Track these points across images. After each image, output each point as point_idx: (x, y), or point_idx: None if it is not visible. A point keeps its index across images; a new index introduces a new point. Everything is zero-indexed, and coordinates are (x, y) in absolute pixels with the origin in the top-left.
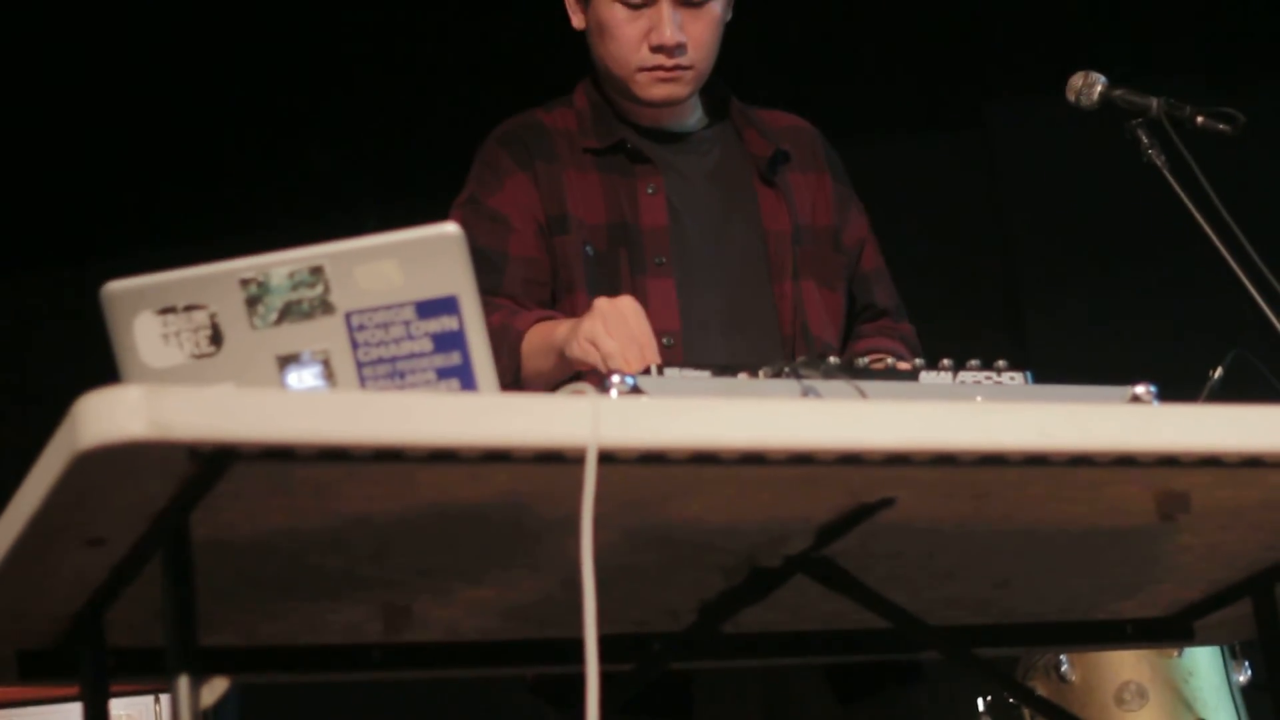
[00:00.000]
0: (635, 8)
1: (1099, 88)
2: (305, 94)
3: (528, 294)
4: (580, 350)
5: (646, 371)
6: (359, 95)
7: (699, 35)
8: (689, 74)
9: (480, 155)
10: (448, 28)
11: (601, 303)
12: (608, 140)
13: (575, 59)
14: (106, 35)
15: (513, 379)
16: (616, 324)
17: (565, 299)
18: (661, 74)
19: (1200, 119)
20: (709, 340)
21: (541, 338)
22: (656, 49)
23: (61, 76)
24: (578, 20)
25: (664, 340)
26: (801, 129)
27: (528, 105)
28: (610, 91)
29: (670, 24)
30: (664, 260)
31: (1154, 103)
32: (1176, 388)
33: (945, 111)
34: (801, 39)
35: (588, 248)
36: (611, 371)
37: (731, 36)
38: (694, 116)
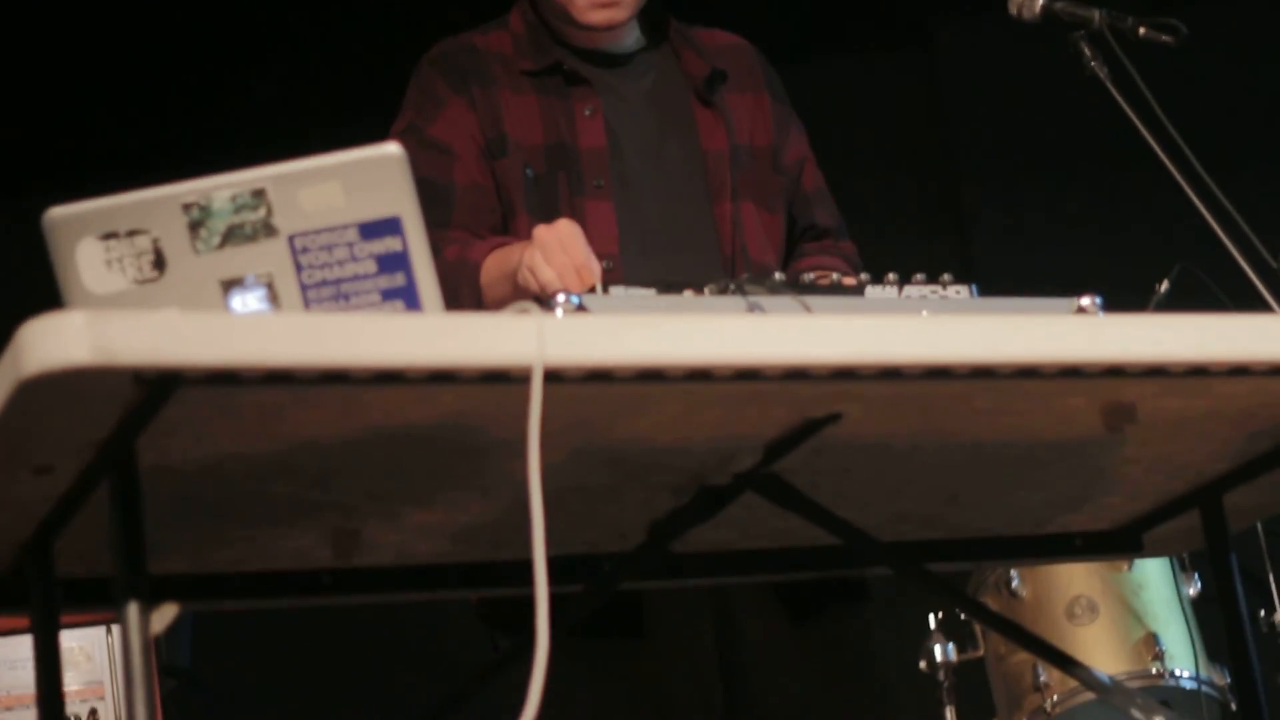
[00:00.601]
0: None
1: (1041, 0)
2: (246, 22)
3: (478, 222)
4: (522, 280)
5: (592, 290)
6: (298, 21)
7: None
8: None
9: (415, 80)
10: None
11: (539, 231)
12: (544, 62)
13: None
14: None
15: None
16: (554, 251)
17: (510, 221)
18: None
19: (1142, 30)
20: (648, 262)
21: (497, 265)
22: None
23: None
24: None
25: (604, 263)
26: (740, 47)
27: (466, 26)
28: (546, 14)
29: None
30: (602, 183)
31: (1096, 14)
32: (1122, 302)
33: (889, 29)
34: None
35: (527, 169)
36: (554, 294)
37: None
38: (631, 38)
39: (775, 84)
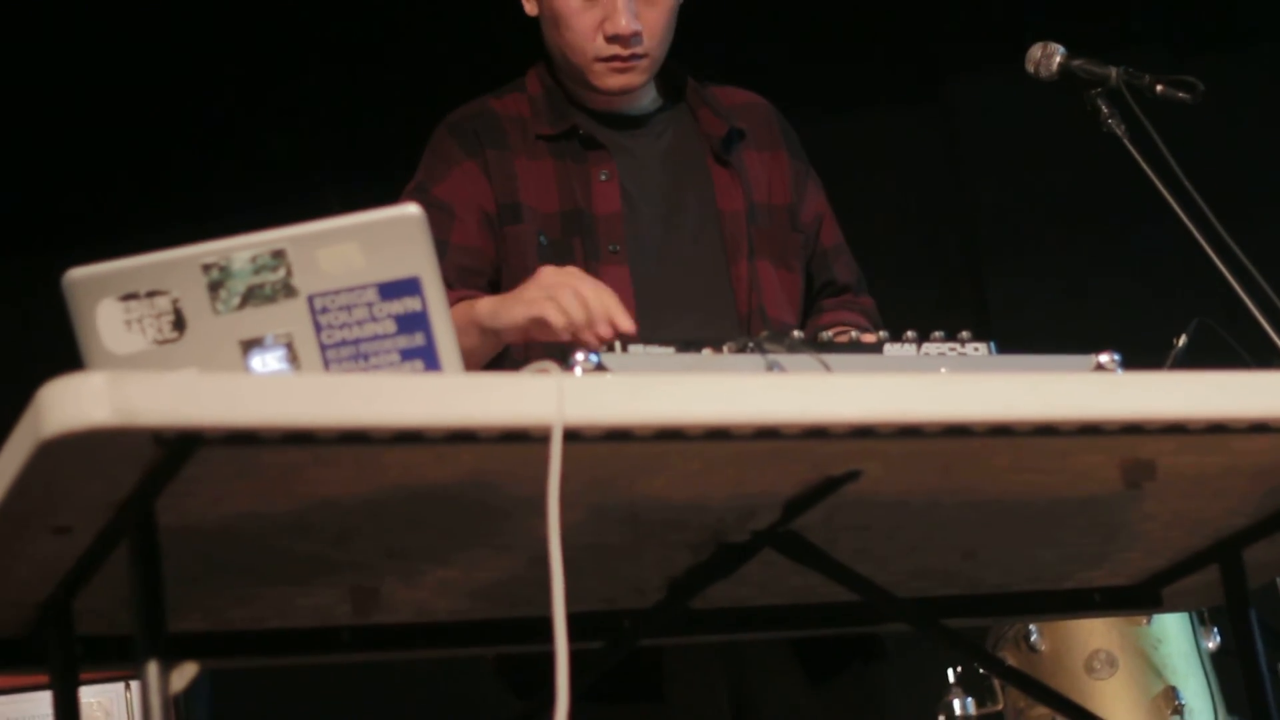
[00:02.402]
0: None
1: (1058, 58)
2: (262, 79)
3: (462, 282)
4: (529, 309)
5: (610, 348)
6: (316, 80)
7: (654, 22)
8: (644, 62)
9: (431, 143)
10: (404, 12)
11: (547, 269)
12: (560, 126)
13: (531, 43)
14: (56, 26)
15: None
16: (567, 279)
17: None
18: (618, 64)
19: (1160, 87)
20: (665, 324)
21: (462, 315)
22: (612, 39)
23: (10, 66)
24: (530, 7)
25: None
26: (756, 105)
27: (484, 88)
28: (563, 77)
29: (625, 13)
30: (618, 248)
31: (1113, 72)
32: (1141, 357)
33: (905, 85)
34: (759, 14)
35: (541, 236)
36: (569, 324)
37: (689, 12)
38: (648, 99)
39: (793, 141)
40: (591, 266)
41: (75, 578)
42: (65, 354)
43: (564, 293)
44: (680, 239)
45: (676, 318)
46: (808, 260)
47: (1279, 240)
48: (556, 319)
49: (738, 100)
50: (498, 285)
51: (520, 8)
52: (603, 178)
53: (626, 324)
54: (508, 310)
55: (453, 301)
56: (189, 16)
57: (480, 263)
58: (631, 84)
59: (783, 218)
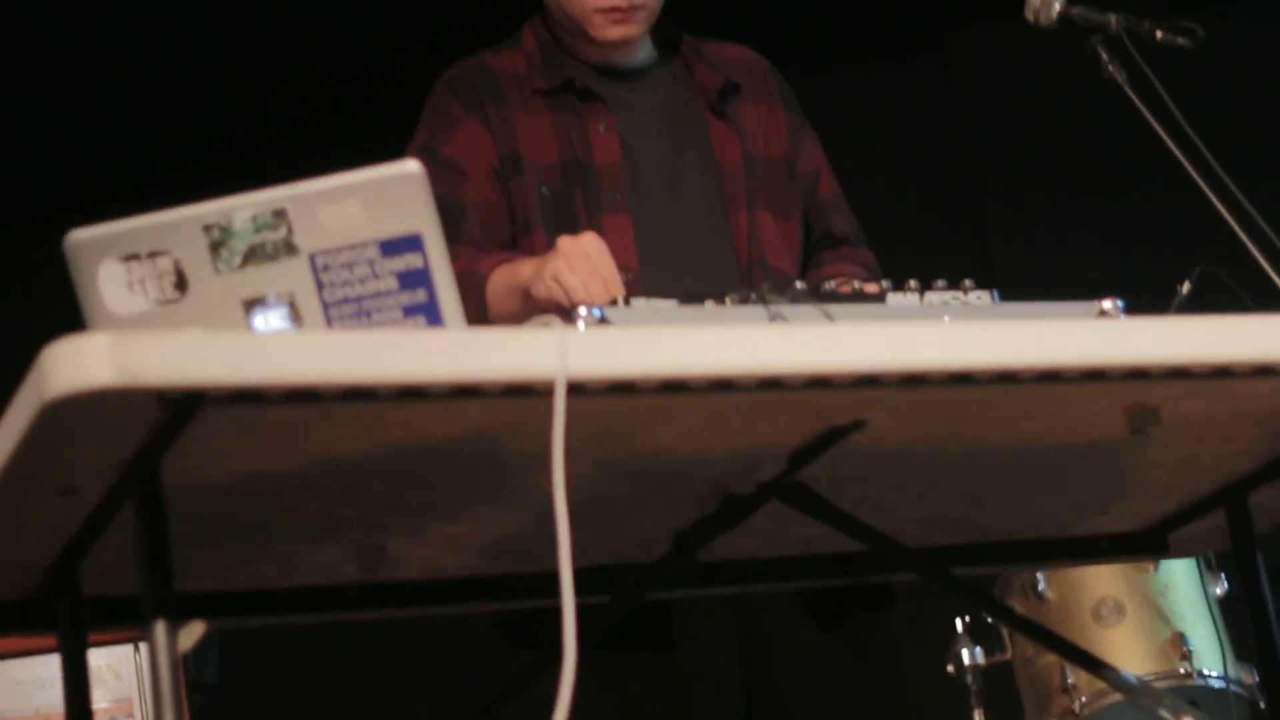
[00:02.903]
0: None
1: (1057, 5)
2: (266, 39)
3: (487, 239)
4: (545, 289)
5: (614, 303)
6: (319, 40)
7: None
8: (642, 13)
9: (430, 101)
10: None
11: (564, 241)
12: (556, 80)
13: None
14: None
15: (481, 323)
16: (579, 260)
17: (523, 239)
18: (617, 15)
19: (1159, 33)
20: (666, 274)
21: (505, 279)
22: None
23: (12, 30)
24: None
25: (623, 275)
26: (751, 60)
27: (482, 46)
28: (560, 30)
29: None
30: (619, 197)
31: (1113, 18)
32: (1144, 304)
33: (904, 36)
34: None
35: (543, 187)
36: (577, 305)
37: None
38: (643, 52)
39: (788, 95)
40: (593, 216)
41: (81, 539)
42: (68, 317)
43: (572, 275)
44: (679, 190)
45: (678, 266)
46: (805, 212)
47: None
48: (563, 301)
49: (732, 55)
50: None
51: None
52: (601, 129)
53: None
54: (536, 285)
55: (494, 264)
56: None
57: (499, 218)
58: (630, 34)
59: (780, 169)
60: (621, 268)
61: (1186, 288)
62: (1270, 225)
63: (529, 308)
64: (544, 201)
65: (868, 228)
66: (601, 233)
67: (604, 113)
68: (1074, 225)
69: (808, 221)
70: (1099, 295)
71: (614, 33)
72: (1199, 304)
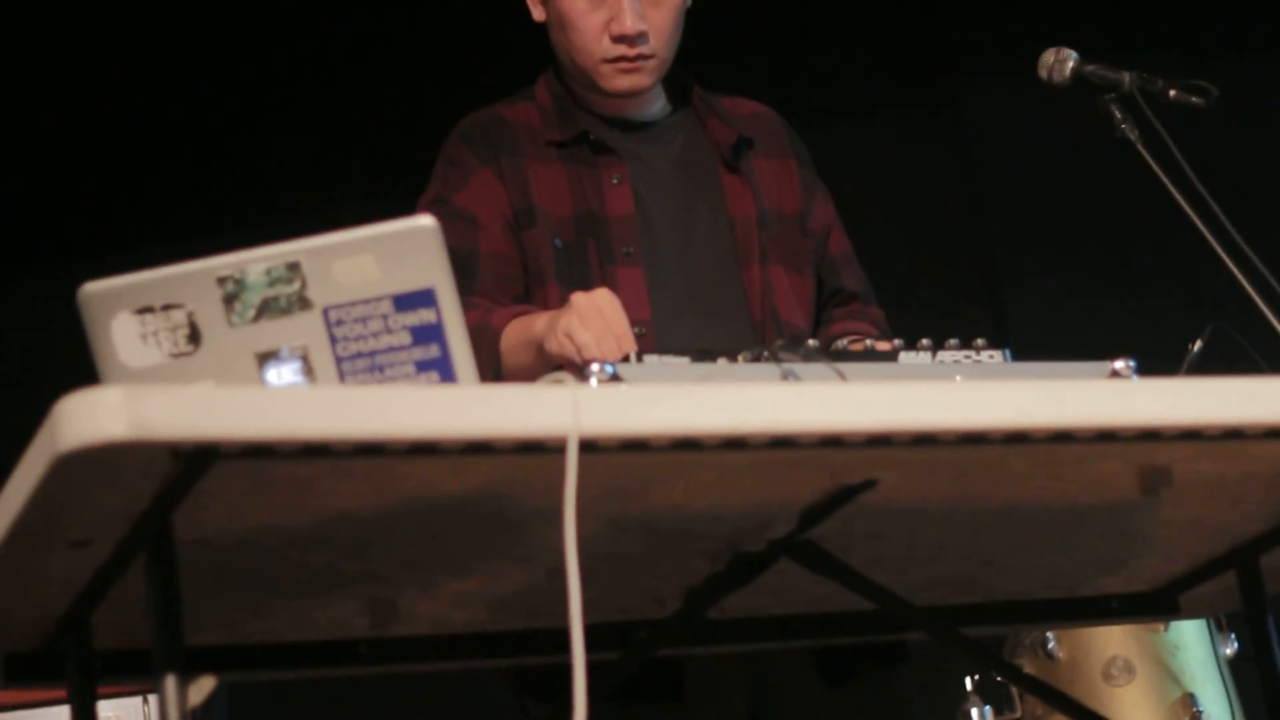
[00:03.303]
0: None
1: (1071, 63)
2: (280, 89)
3: (501, 290)
4: (558, 345)
5: (626, 359)
6: (333, 90)
7: (660, 23)
8: (651, 63)
9: (444, 152)
10: (418, 22)
11: (578, 297)
12: (570, 132)
13: (541, 50)
14: (78, 35)
15: (494, 377)
16: (592, 317)
17: (536, 291)
18: (625, 65)
19: (1173, 92)
20: (679, 328)
21: (519, 333)
22: (618, 39)
23: (29, 75)
24: (538, 13)
25: (636, 329)
26: (764, 115)
27: (496, 96)
28: (572, 82)
29: (631, 13)
30: (632, 250)
31: (1126, 77)
32: (1156, 363)
33: (920, 90)
34: (774, 18)
35: (556, 239)
36: (589, 361)
37: (704, 17)
38: (657, 105)
39: (801, 150)
40: (606, 269)
41: (92, 591)
42: (81, 367)
43: (584, 331)
44: (693, 243)
45: (691, 321)
46: (817, 267)
47: None
48: (579, 359)
49: (746, 110)
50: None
51: (528, 14)
52: (614, 181)
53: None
54: (548, 341)
55: (508, 317)
56: (208, 27)
57: (512, 269)
58: (639, 85)
59: (793, 224)
60: (635, 321)
61: (1198, 346)
62: None
63: (542, 361)
64: (557, 253)
65: (879, 281)
66: (615, 285)
67: (617, 165)
68: (1087, 281)
69: (819, 277)
70: (1111, 355)
71: (623, 83)
72: (1211, 363)
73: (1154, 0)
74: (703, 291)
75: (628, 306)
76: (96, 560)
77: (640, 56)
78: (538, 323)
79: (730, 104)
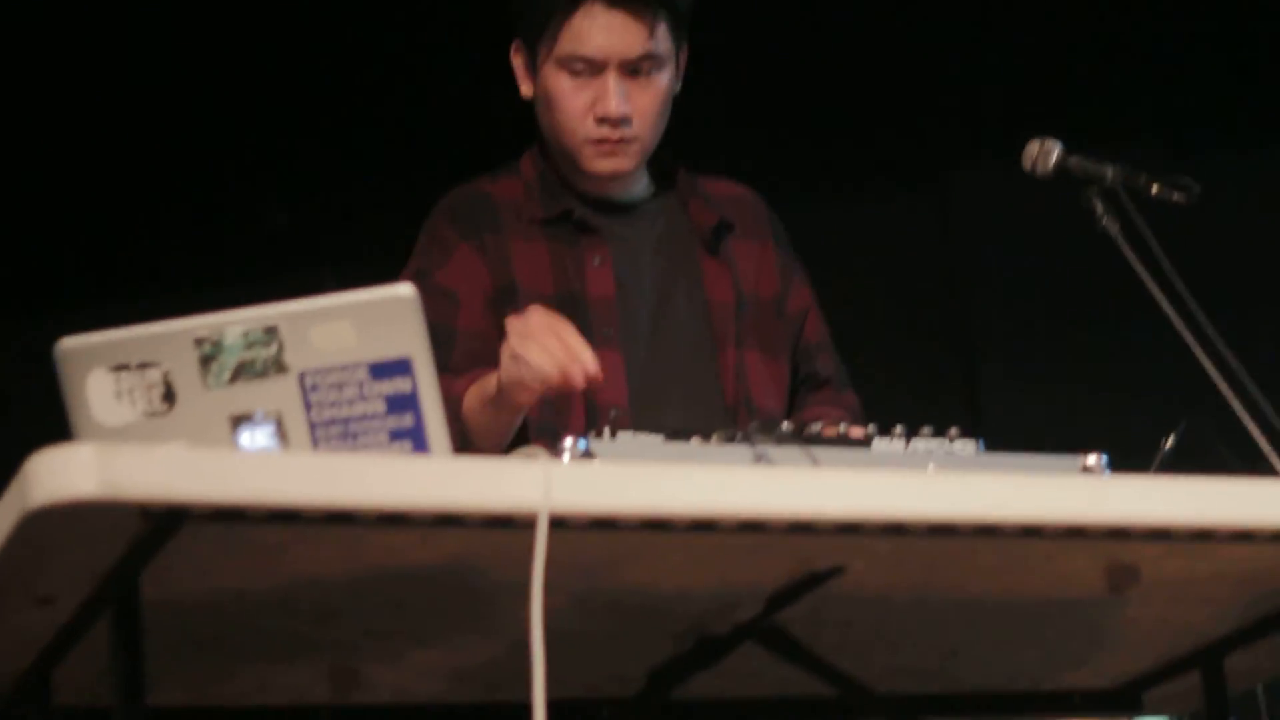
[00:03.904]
0: (581, 76)
1: (1055, 155)
2: (263, 151)
3: (475, 368)
4: (507, 375)
5: (599, 434)
6: (319, 155)
7: (645, 107)
8: (634, 147)
9: (427, 227)
10: (402, 92)
11: (512, 321)
12: (554, 210)
13: (527, 125)
14: (62, 90)
15: (462, 444)
16: (537, 332)
17: None
18: (607, 147)
19: (1155, 188)
20: (654, 410)
21: (477, 394)
22: (602, 120)
23: (12, 128)
24: (526, 89)
25: (612, 412)
26: (746, 198)
27: (480, 169)
28: (557, 161)
29: (616, 95)
30: (610, 332)
31: (1109, 171)
32: (1129, 456)
33: (903, 174)
34: (759, 100)
35: None
36: (543, 380)
37: (690, 95)
38: (640, 186)
39: (780, 234)
40: None
41: (55, 649)
42: (56, 422)
43: (532, 345)
44: (670, 326)
45: (666, 404)
46: (792, 351)
47: (1270, 343)
48: (530, 376)
49: (727, 192)
50: None
51: (517, 90)
52: (596, 262)
53: (594, 368)
54: (500, 376)
55: (466, 384)
56: (192, 86)
57: (489, 347)
58: (621, 168)
59: (770, 309)
60: (612, 404)
61: (1170, 442)
62: (1256, 383)
63: (503, 414)
64: None
65: (856, 365)
66: None
67: (600, 246)
68: (1062, 370)
69: (794, 361)
70: (1084, 447)
71: (605, 165)
72: (1182, 459)
73: (1138, 92)
74: (678, 375)
75: (605, 389)
76: (61, 617)
77: (623, 140)
78: (490, 379)
79: (712, 186)
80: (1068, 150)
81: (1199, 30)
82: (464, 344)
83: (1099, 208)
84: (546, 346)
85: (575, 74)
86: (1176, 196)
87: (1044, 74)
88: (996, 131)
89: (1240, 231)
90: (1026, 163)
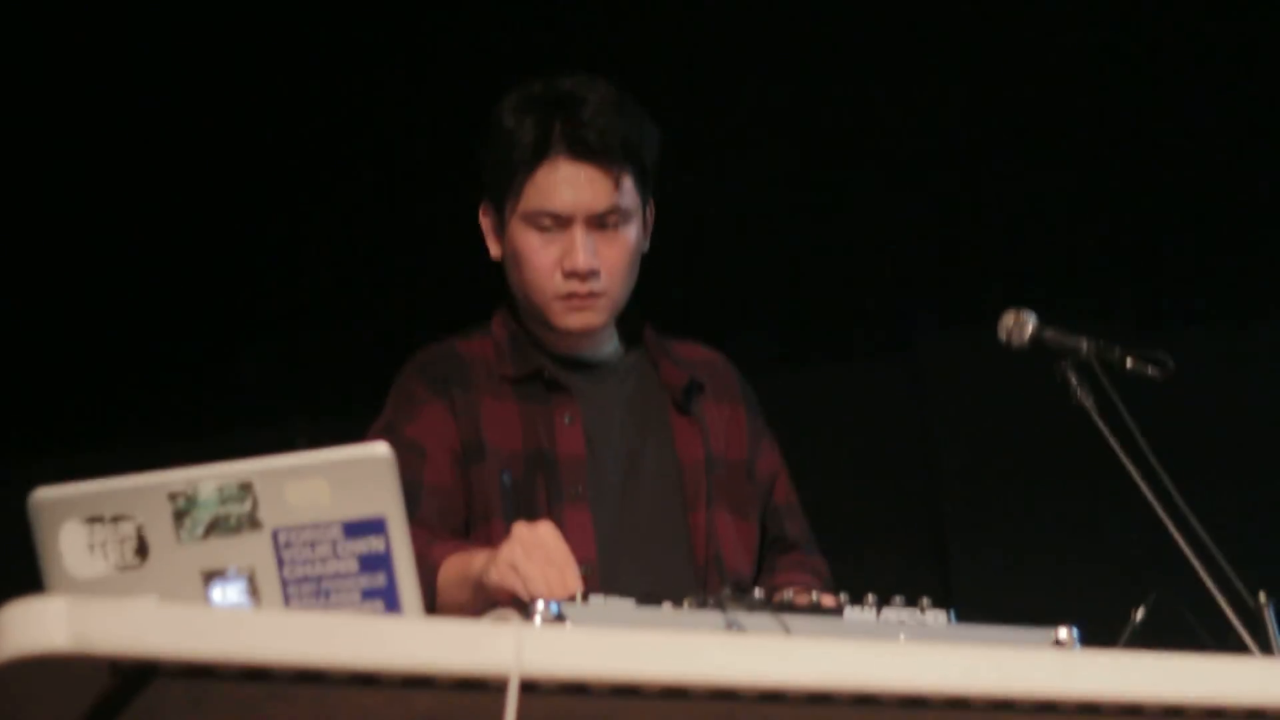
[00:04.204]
0: (549, 232)
1: (1030, 327)
2: (237, 306)
3: (442, 523)
4: (499, 577)
5: (571, 598)
6: (289, 310)
7: (612, 260)
8: (603, 301)
9: (398, 383)
10: (377, 249)
11: (520, 529)
12: (524, 369)
13: (498, 287)
14: (37, 245)
15: (428, 609)
16: (535, 549)
17: (481, 527)
18: (576, 301)
19: (1130, 361)
20: (623, 569)
21: (457, 570)
22: (570, 274)
23: None
24: (495, 249)
25: (581, 569)
26: (716, 361)
27: (454, 327)
28: (527, 320)
29: (583, 249)
30: (580, 490)
31: (1084, 344)
32: (1100, 627)
33: (875, 341)
34: (728, 264)
35: (504, 475)
36: (534, 597)
37: (659, 261)
38: (610, 345)
39: (750, 398)
40: (554, 508)
41: None
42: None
43: (534, 567)
44: (640, 485)
45: (635, 562)
46: (761, 514)
47: (1241, 518)
48: (522, 591)
49: (697, 355)
50: (471, 524)
51: (486, 253)
52: (566, 421)
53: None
54: (490, 573)
55: (447, 552)
56: (162, 233)
57: (455, 502)
58: (590, 323)
59: (739, 470)
60: (580, 561)
61: (1140, 614)
62: (1226, 558)
63: (480, 599)
64: (504, 490)
65: (825, 530)
66: (562, 525)
67: (570, 404)
68: (1034, 540)
69: (763, 523)
70: (1056, 619)
71: (574, 321)
72: (1153, 631)
73: (1110, 267)
74: (648, 533)
75: (574, 547)
76: None
77: (592, 294)
78: (476, 559)
79: (682, 348)
80: (1043, 322)
81: (1172, 203)
82: (430, 499)
83: (1073, 380)
84: (545, 573)
85: (542, 230)
86: (1151, 370)
87: (1018, 244)
88: (969, 300)
89: (1212, 406)
90: (1002, 333)
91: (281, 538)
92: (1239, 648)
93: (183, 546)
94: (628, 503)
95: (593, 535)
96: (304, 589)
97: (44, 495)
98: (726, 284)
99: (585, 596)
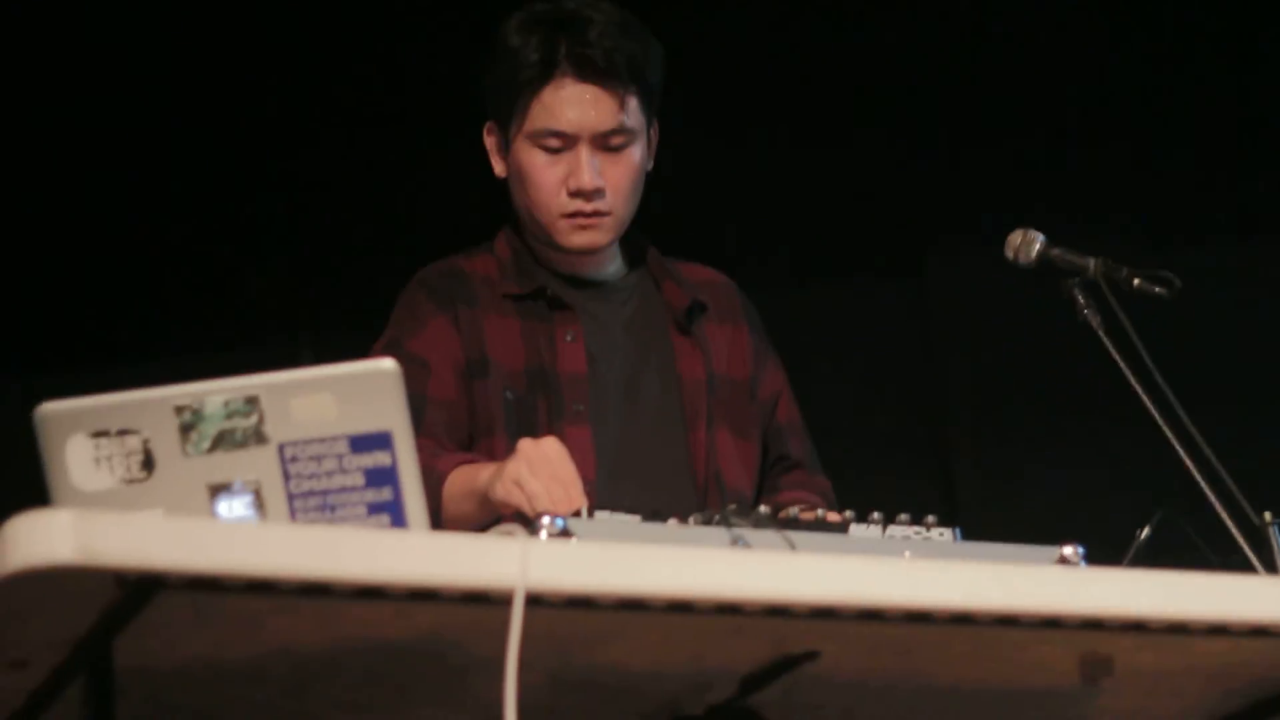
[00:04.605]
0: (554, 152)
1: (1037, 246)
2: (244, 222)
3: (447, 436)
4: (504, 492)
5: (576, 514)
6: (296, 226)
7: (617, 180)
8: (608, 220)
9: (402, 299)
10: (382, 168)
11: (526, 444)
12: (528, 286)
13: (501, 205)
14: (44, 157)
15: (433, 521)
16: (541, 466)
17: (483, 442)
18: (581, 220)
19: (1136, 281)
20: (622, 488)
21: (464, 482)
22: (575, 194)
23: None
24: (499, 168)
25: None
26: (719, 282)
27: (458, 246)
28: (531, 238)
29: (588, 169)
30: (581, 408)
31: (1091, 263)
32: (1105, 545)
33: (884, 259)
34: (735, 184)
35: (507, 392)
36: (539, 513)
37: (665, 181)
38: (613, 265)
39: (754, 319)
40: (555, 424)
41: (24, 714)
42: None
43: (538, 482)
44: (641, 404)
45: (633, 481)
46: (763, 433)
47: (1246, 436)
48: (526, 507)
49: (701, 276)
50: (474, 439)
51: (491, 171)
52: (568, 338)
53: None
54: (495, 488)
55: (454, 464)
56: (170, 151)
57: (459, 416)
58: (594, 242)
59: (742, 390)
60: (580, 478)
61: (1145, 533)
62: (1232, 475)
63: (485, 512)
64: (507, 406)
65: (830, 449)
66: (562, 442)
67: (572, 322)
68: (1039, 459)
69: (765, 443)
70: (1061, 538)
71: (579, 239)
72: (1157, 549)
73: (1120, 186)
74: (648, 452)
75: (575, 464)
76: (32, 683)
77: (597, 213)
78: (483, 473)
79: (686, 269)
80: (1050, 241)
81: (1181, 123)
82: (435, 412)
83: (1080, 299)
84: (550, 489)
85: (547, 149)
86: (1158, 290)
87: (1027, 162)
88: (976, 219)
89: (1219, 325)
90: (1009, 252)
91: (287, 452)
92: (1244, 566)
93: (189, 460)
94: (628, 422)
95: (593, 453)
96: (310, 503)
97: (50, 409)
98: (734, 205)
99: (590, 512)
